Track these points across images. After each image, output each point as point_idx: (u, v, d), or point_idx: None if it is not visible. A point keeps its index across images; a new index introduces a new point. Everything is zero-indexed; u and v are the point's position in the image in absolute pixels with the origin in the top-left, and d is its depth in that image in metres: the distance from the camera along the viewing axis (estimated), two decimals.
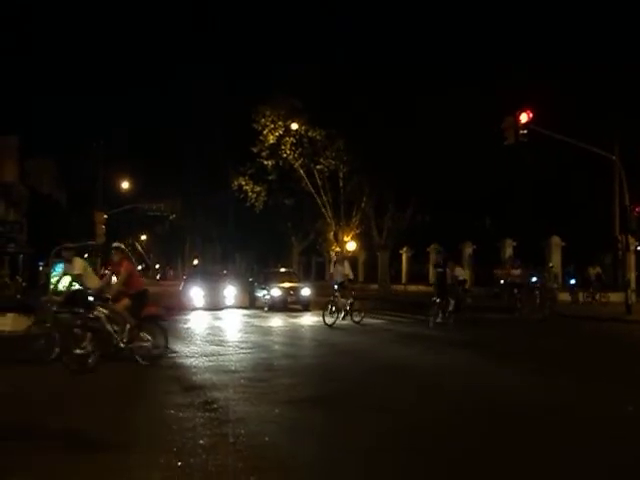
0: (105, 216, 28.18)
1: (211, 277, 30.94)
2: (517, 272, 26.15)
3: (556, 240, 34.52)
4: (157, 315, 13.11)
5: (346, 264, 22.34)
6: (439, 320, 20.05)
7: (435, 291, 21.04)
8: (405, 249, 46.37)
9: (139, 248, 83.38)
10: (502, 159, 32.64)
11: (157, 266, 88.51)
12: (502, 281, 29.51)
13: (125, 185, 46.36)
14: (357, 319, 20.71)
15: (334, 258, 27.25)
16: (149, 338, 11.84)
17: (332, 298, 21.36)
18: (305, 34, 41.99)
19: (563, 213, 36.28)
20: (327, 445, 6.77)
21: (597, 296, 30.63)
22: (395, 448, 6.63)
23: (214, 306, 27.21)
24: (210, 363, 12.15)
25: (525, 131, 23.07)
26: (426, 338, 17.07)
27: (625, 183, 25.56)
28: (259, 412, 8.08)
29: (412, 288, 41.95)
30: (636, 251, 29.46)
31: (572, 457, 6.35)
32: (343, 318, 20.81)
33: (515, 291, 25.65)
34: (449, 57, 35.05)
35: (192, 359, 12.65)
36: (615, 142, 30.04)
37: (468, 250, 38.91)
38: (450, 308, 20.69)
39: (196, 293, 28.11)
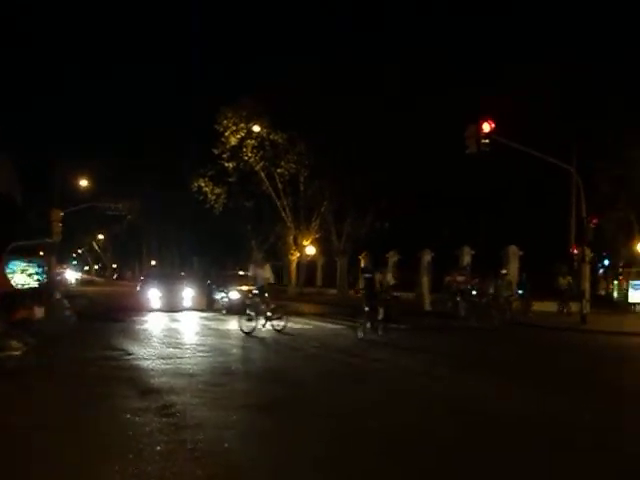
0: (62, 214, 27.62)
1: (169, 279, 30.63)
2: (461, 279, 26.17)
3: (513, 249, 34.75)
4: (29, 319, 11.63)
5: (267, 267, 20.88)
6: (368, 328, 18.57)
7: (363, 299, 19.04)
8: (364, 254, 46.33)
9: (96, 247, 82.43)
10: (462, 168, 32.97)
11: (114, 266, 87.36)
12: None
13: (83, 183, 45.62)
14: (279, 326, 19.05)
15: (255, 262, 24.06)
16: (20, 346, 10.74)
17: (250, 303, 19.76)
18: (268, 36, 41.65)
19: (521, 223, 36.61)
20: (284, 452, 6.65)
21: (565, 308, 29.92)
22: (347, 453, 6.55)
23: (171, 308, 26.90)
24: (167, 366, 11.93)
25: (487, 140, 23.24)
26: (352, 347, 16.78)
27: (583, 194, 25.88)
28: (217, 418, 7.93)
29: None
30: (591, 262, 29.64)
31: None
32: (263, 325, 19.12)
33: (458, 298, 25.79)
34: (413, 62, 35.14)
35: (149, 361, 12.43)
36: (572, 154, 30.47)
37: (427, 257, 38.90)
38: (380, 316, 19.12)
39: (153, 294, 27.77)
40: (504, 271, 27.25)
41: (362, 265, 18.17)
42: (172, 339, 16.75)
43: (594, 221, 26.72)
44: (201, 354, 13.88)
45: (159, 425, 7.41)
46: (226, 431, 7.26)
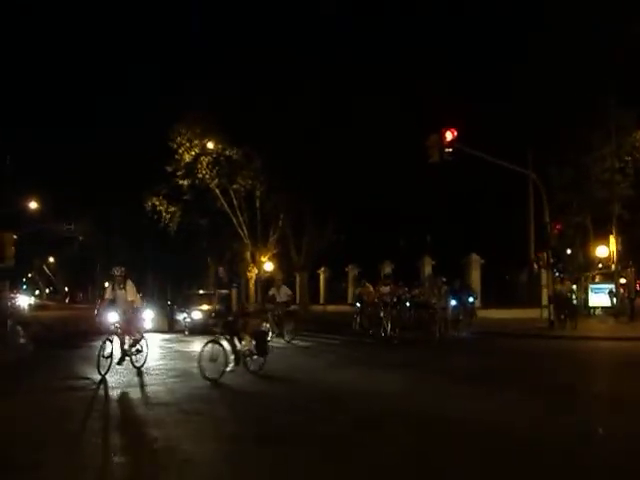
0: (15, 236, 26.59)
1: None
2: (386, 289, 22.82)
3: (475, 257, 34.85)
4: None
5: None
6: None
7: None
8: (323, 269, 45.97)
9: (47, 271, 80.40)
10: (419, 179, 32.91)
11: (66, 289, 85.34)
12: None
13: (33, 205, 44.36)
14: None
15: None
16: None
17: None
18: (218, 50, 41.02)
19: (482, 231, 36.72)
20: None
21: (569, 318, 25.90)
22: None
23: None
24: (139, 395, 11.28)
25: (450, 149, 23.10)
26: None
27: (545, 200, 25.92)
28: (206, 452, 7.28)
29: (331, 308, 41.62)
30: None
31: None
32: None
33: (381, 311, 22.64)
34: (367, 72, 34.99)
35: (118, 390, 11.75)
36: (528, 162, 30.64)
37: (387, 269, 38.75)
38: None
39: (112, 317, 26.78)
40: (442, 279, 24.02)
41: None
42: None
43: (557, 227, 26.81)
44: (173, 379, 13.23)
45: (145, 465, 6.79)
46: (219, 467, 6.69)
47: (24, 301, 52.96)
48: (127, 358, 14.40)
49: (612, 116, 31.63)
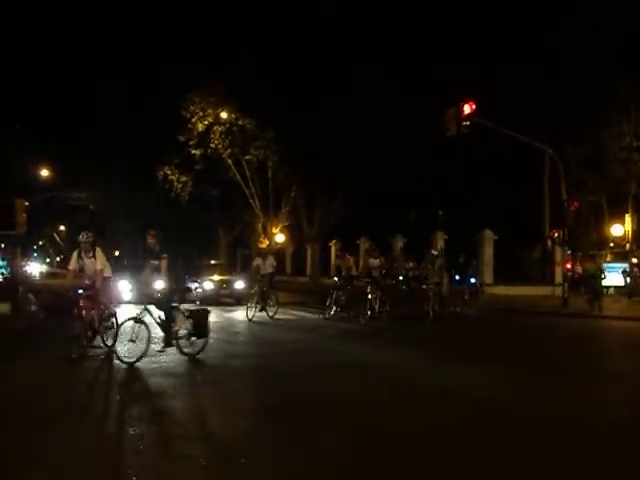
0: (26, 203, 26.37)
1: (139, 269, 29.50)
2: (375, 262, 20.66)
3: (488, 233, 34.55)
4: None
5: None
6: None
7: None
8: (334, 242, 45.78)
9: (57, 239, 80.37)
10: (434, 151, 32.59)
11: None
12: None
13: (44, 173, 44.15)
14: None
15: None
16: None
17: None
18: (234, 19, 40.49)
19: (495, 207, 36.36)
20: (312, 463, 5.95)
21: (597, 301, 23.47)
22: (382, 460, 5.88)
23: (143, 299, 25.91)
24: (153, 365, 11.13)
25: (467, 123, 22.75)
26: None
27: (563, 177, 25.55)
28: (223, 426, 7.14)
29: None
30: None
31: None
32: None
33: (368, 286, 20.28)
34: (385, 46, 34.59)
35: (132, 360, 11.58)
36: (544, 139, 30.26)
37: (399, 243, 38.55)
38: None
39: (123, 286, 26.75)
40: (434, 252, 21.72)
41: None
42: (151, 334, 15.83)
43: (575, 204, 26.49)
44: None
45: (160, 438, 6.63)
46: (239, 442, 6.53)
47: (35, 269, 53.07)
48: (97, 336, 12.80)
49: (631, 93, 31.19)
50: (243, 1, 41.50)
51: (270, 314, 20.57)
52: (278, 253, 47.26)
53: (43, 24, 59.56)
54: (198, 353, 12.08)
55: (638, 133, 32.92)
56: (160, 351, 12.07)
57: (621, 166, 32.97)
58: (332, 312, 20.52)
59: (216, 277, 26.77)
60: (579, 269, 31.42)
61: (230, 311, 23.11)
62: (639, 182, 33.46)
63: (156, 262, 12.87)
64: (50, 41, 61.61)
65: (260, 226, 42.78)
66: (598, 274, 23.74)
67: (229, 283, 26.50)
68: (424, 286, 19.92)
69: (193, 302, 26.37)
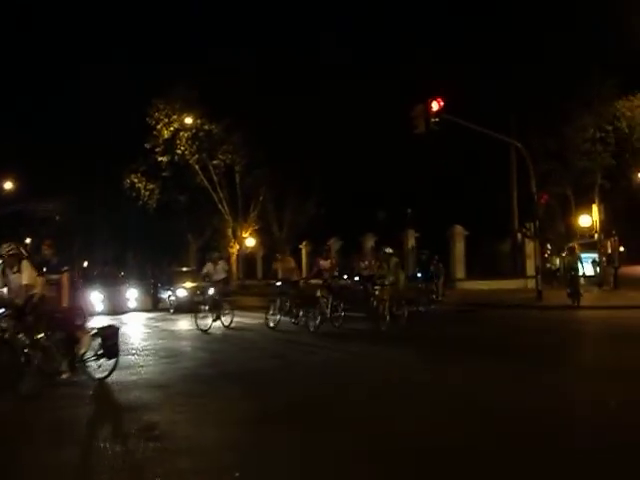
0: None
1: (110, 279, 29.18)
2: (326, 264, 18.91)
3: (459, 229, 34.76)
4: None
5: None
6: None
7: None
8: (305, 243, 45.67)
9: (24, 253, 79.15)
10: (402, 148, 32.71)
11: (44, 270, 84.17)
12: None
13: (8, 185, 43.44)
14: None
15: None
16: None
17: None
18: (201, 22, 40.40)
19: (465, 202, 36.60)
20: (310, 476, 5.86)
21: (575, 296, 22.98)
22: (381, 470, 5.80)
23: (116, 310, 25.63)
24: (133, 377, 10.92)
25: (437, 119, 22.78)
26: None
27: (532, 171, 25.72)
28: (212, 437, 6.99)
29: (314, 281, 41.35)
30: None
31: None
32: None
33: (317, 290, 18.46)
34: (349, 42, 34.66)
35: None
36: (511, 132, 30.57)
37: (370, 242, 38.50)
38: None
39: (95, 297, 26.40)
40: (388, 250, 18.87)
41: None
42: (127, 345, 15.53)
43: (544, 197, 26.69)
44: (165, 360, 12.92)
45: (148, 453, 6.43)
46: (229, 454, 6.38)
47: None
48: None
49: (593, 85, 31.56)
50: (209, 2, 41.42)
51: (226, 324, 19.17)
52: (249, 257, 47.20)
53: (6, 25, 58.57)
54: (108, 376, 10.50)
55: (601, 125, 33.33)
56: (63, 378, 10.07)
57: (585, 158, 33.33)
58: (276, 321, 18.49)
59: (189, 284, 26.53)
60: (556, 262, 31.75)
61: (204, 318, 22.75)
62: (604, 173, 33.86)
63: (54, 277, 10.80)
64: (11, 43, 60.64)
65: (230, 231, 42.61)
66: (576, 267, 23.43)
67: (203, 290, 26.26)
68: (376, 287, 17.69)
69: (167, 310, 26.23)
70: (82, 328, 10.91)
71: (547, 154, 32.99)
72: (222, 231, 44.86)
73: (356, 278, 22.43)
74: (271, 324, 18.36)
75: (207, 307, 19.35)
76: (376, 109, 32.92)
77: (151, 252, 55.80)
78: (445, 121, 23.80)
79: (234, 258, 43.38)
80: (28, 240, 76.30)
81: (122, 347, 14.51)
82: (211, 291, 26.70)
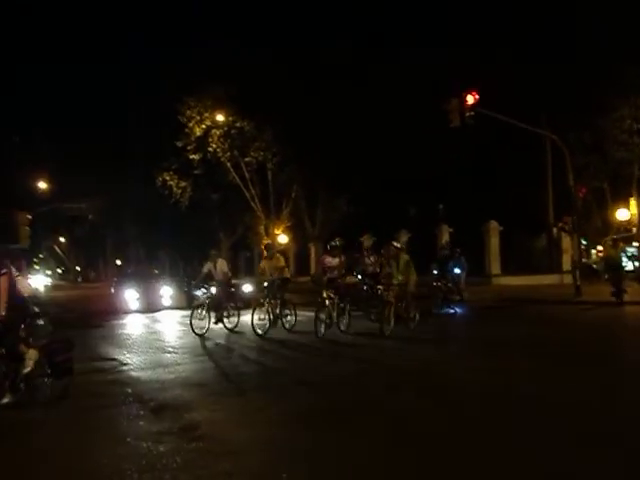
0: (29, 216, 26.18)
1: (144, 277, 29.24)
2: (334, 262, 16.72)
3: (494, 224, 34.36)
4: None
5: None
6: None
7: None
8: (338, 240, 45.47)
9: (58, 250, 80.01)
10: (436, 142, 32.40)
11: (78, 268, 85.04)
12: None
13: (43, 185, 43.87)
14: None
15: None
16: None
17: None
18: (228, 18, 40.33)
19: (499, 197, 36.15)
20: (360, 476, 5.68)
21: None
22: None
23: (150, 308, 25.69)
24: (171, 375, 10.83)
25: (472, 113, 22.48)
26: None
27: (569, 164, 25.28)
28: (255, 438, 6.88)
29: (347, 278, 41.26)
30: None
31: None
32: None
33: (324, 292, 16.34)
34: (382, 39, 34.38)
35: (149, 372, 11.29)
36: (544, 125, 30.15)
37: (404, 238, 38.22)
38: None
39: (130, 295, 26.50)
40: (397, 244, 16.86)
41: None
42: (163, 343, 15.62)
43: (582, 190, 26.21)
44: (201, 358, 12.85)
45: (190, 454, 6.31)
46: (275, 455, 6.26)
47: (40, 282, 52.81)
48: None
49: (629, 76, 30.95)
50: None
51: (229, 326, 17.69)
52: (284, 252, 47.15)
53: (42, 27, 59.28)
54: (61, 398, 9.06)
55: (637, 116, 32.70)
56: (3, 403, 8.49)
57: (623, 149, 32.73)
58: (265, 328, 16.53)
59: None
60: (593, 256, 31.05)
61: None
62: None
63: None
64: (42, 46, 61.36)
65: (262, 228, 42.51)
66: (620, 261, 22.03)
67: (237, 287, 26.22)
68: (380, 286, 16.37)
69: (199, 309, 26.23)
70: (26, 342, 9.06)
71: (583, 146, 32.52)
72: (254, 228, 44.85)
73: (359, 277, 20.50)
74: (264, 330, 16.42)
75: (205, 310, 17.62)
76: (407, 104, 32.55)
77: (183, 250, 56.15)
78: (479, 114, 23.45)
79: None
80: (62, 239, 77.76)
81: (158, 345, 14.69)
82: (246, 288, 26.95)
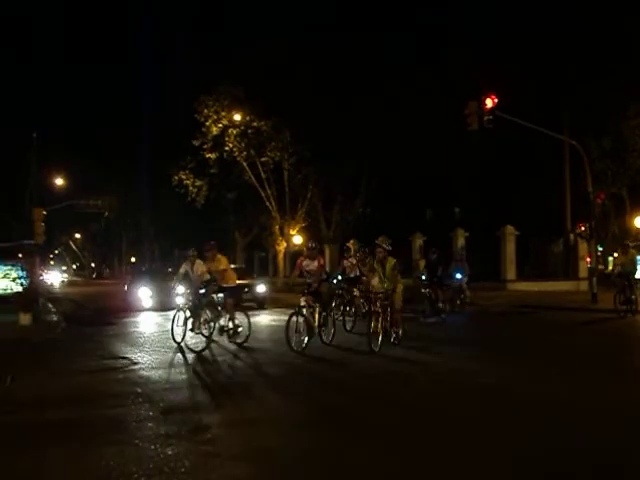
0: (44, 212, 26.25)
1: (159, 275, 29.19)
2: (312, 265, 14.34)
3: (510, 229, 34.06)
4: None
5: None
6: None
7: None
8: (352, 242, 45.35)
9: (73, 247, 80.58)
10: (453, 146, 32.30)
11: (92, 265, 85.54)
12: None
13: (59, 181, 44.07)
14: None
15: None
16: None
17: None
18: (245, 19, 40.42)
19: (515, 202, 35.92)
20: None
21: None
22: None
23: (164, 306, 25.60)
24: (182, 376, 10.76)
25: (490, 117, 22.28)
26: None
27: (588, 169, 25.01)
28: (266, 442, 6.73)
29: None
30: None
31: None
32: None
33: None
34: (400, 41, 34.27)
35: (160, 371, 11.20)
36: (564, 130, 29.90)
37: (418, 241, 38.08)
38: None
39: (144, 293, 26.46)
40: (385, 246, 13.63)
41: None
42: (174, 342, 15.48)
43: (601, 196, 25.92)
44: (213, 359, 12.78)
45: (199, 458, 6.19)
46: (288, 461, 6.12)
47: (56, 278, 53.08)
48: None
49: None
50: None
51: (205, 333, 14.88)
52: (295, 255, 47.05)
53: (62, 28, 59.73)
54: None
55: None
56: None
57: None
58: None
59: (237, 281, 26.38)
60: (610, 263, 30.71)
61: (252, 316, 22.57)
62: None
63: None
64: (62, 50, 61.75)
65: (277, 228, 42.48)
66: (631, 269, 20.75)
67: (251, 287, 26.16)
68: (355, 290, 15.11)
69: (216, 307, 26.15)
70: None
71: (602, 152, 32.28)
72: (269, 228, 44.85)
73: (335, 280, 18.02)
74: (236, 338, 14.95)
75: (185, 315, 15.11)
76: (424, 107, 32.44)
77: (199, 249, 56.12)
78: (497, 118, 23.26)
79: (281, 256, 43.32)
80: (77, 235, 78.19)
81: (170, 344, 14.54)
82: (261, 288, 26.83)
